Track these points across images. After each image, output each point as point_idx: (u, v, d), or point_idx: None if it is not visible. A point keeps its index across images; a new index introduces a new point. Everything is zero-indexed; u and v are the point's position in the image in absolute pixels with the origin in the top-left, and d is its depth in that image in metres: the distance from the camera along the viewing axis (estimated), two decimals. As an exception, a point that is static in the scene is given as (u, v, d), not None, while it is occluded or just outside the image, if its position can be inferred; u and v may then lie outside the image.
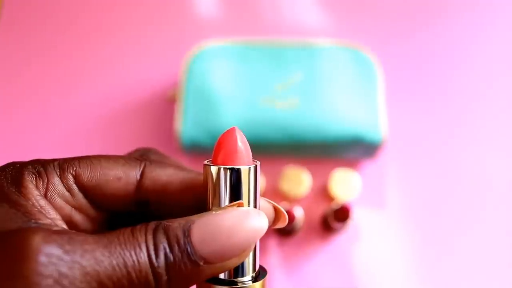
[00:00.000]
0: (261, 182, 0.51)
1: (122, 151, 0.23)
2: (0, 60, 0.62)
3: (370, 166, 0.54)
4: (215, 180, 0.18)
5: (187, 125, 0.50)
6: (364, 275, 0.50)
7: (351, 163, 0.54)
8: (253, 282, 0.19)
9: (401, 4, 0.63)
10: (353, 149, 0.51)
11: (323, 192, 0.53)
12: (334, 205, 0.47)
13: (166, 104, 0.57)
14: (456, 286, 0.49)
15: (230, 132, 0.19)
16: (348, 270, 0.50)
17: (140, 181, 0.20)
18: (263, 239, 0.49)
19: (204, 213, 0.18)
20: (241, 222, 0.17)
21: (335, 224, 0.47)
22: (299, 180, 0.51)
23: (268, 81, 0.51)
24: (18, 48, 0.62)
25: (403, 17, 0.62)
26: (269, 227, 0.20)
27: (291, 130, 0.49)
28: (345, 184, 0.51)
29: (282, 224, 0.20)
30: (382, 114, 0.50)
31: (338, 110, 0.49)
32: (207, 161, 0.19)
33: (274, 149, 0.52)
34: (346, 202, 0.48)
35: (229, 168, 0.18)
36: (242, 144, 0.19)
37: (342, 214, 0.46)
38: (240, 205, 0.18)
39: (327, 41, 0.54)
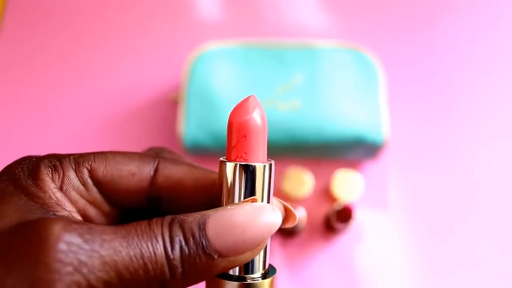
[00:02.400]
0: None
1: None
2: (2, 61, 0.62)
3: (372, 167, 0.54)
4: (230, 176, 0.19)
5: (189, 127, 0.51)
6: (367, 276, 0.50)
7: (353, 164, 0.54)
8: (262, 279, 0.19)
9: (403, 5, 0.63)
10: (355, 150, 0.51)
11: (325, 193, 0.53)
12: (337, 206, 0.47)
13: (169, 106, 0.58)
14: (458, 286, 0.49)
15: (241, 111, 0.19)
16: (351, 270, 0.50)
17: (153, 177, 0.20)
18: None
19: (219, 208, 0.18)
20: (255, 217, 0.17)
21: (338, 225, 0.48)
22: (301, 181, 0.51)
23: (270, 82, 0.51)
24: (21, 49, 0.63)
25: (404, 18, 0.62)
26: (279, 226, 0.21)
27: (293, 132, 0.49)
28: (347, 185, 0.51)
29: (291, 224, 0.21)
30: (384, 115, 0.50)
31: (339, 111, 0.50)
32: (223, 158, 0.19)
33: (276, 151, 0.52)
34: (349, 202, 0.48)
35: (244, 165, 0.19)
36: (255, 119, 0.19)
37: (344, 215, 0.46)
38: (254, 201, 0.19)
39: (328, 42, 0.54)
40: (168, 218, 0.17)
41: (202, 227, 0.16)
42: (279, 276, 0.50)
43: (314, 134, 0.49)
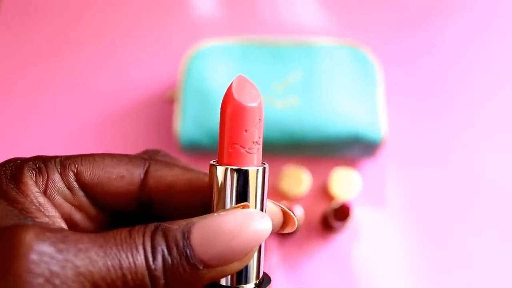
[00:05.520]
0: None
1: (121, 152, 0.23)
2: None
3: (370, 164, 0.54)
4: (221, 181, 0.18)
5: (186, 125, 0.50)
6: (364, 274, 0.50)
7: (351, 162, 0.54)
8: None
9: (401, 3, 0.62)
10: (353, 148, 0.51)
11: (323, 191, 0.53)
12: (334, 204, 0.47)
13: (165, 104, 0.57)
14: (455, 285, 0.49)
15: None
16: (348, 269, 0.50)
17: (144, 180, 0.19)
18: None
19: (206, 215, 0.17)
20: (243, 225, 0.16)
21: (335, 223, 0.47)
22: (299, 179, 0.51)
23: (267, 80, 0.51)
24: (17, 48, 0.62)
25: (402, 15, 0.62)
26: (277, 231, 0.19)
27: (291, 129, 0.49)
28: (345, 183, 0.51)
29: (291, 228, 0.20)
30: (382, 113, 0.50)
31: (337, 109, 0.49)
32: (213, 161, 0.18)
33: (274, 148, 0.51)
34: (346, 201, 0.47)
35: (236, 169, 0.17)
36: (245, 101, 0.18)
37: (342, 213, 0.46)
38: (245, 207, 0.17)
39: (326, 39, 0.53)
40: (151, 226, 0.16)
41: (187, 235, 0.16)
42: (277, 275, 0.50)
43: (312, 132, 0.49)
